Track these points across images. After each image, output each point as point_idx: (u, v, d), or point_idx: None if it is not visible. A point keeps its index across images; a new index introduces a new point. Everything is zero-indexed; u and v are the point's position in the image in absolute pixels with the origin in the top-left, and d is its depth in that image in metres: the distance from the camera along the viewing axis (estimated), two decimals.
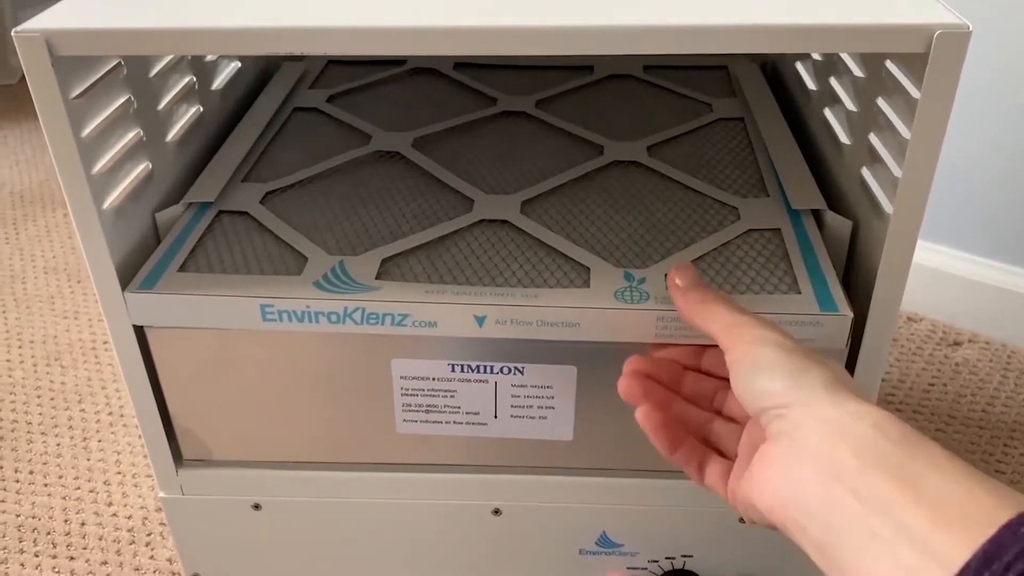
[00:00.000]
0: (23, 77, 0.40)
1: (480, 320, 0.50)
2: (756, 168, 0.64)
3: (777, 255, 0.54)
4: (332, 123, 0.70)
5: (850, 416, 0.36)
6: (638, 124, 0.69)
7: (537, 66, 0.79)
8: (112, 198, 0.50)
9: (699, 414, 0.47)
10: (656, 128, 0.68)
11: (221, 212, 0.58)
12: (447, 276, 0.52)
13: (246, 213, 0.58)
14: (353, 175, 0.63)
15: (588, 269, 0.52)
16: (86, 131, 0.47)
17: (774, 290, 0.51)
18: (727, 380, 0.43)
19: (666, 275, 0.51)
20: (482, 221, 0.57)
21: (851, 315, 0.49)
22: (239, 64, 0.73)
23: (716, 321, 0.44)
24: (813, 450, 0.36)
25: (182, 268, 0.53)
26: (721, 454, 0.46)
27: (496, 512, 0.58)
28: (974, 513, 0.30)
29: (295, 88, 0.76)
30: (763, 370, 0.40)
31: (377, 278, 0.51)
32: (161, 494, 0.58)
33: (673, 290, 0.47)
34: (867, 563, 0.32)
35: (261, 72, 0.79)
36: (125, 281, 0.51)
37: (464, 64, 0.80)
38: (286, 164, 0.64)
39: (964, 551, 0.29)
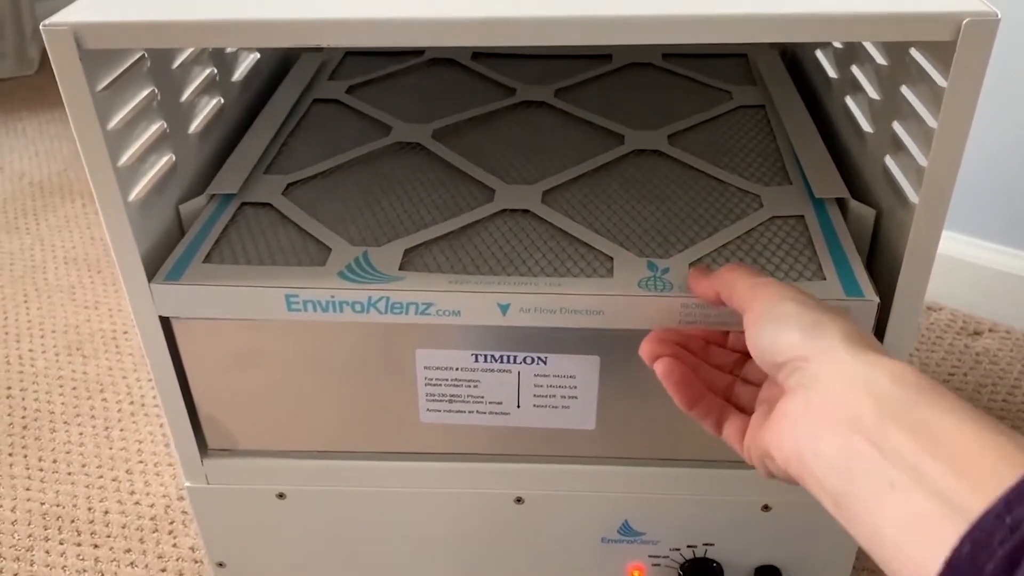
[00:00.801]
0: (40, 68, 0.40)
1: (504, 308, 0.50)
2: (778, 156, 0.63)
3: (801, 242, 0.54)
4: (352, 114, 0.70)
5: (869, 367, 0.36)
6: (658, 112, 0.69)
7: (555, 55, 0.78)
8: (137, 190, 0.51)
9: (721, 377, 0.48)
10: (676, 116, 0.68)
11: (244, 204, 0.59)
12: (470, 266, 0.52)
13: (269, 204, 0.58)
14: (374, 166, 0.63)
15: (611, 259, 0.52)
16: (112, 123, 0.48)
17: (799, 277, 0.51)
18: (748, 354, 0.43)
19: (690, 265, 0.51)
20: (504, 211, 0.57)
21: (877, 300, 0.49)
22: (258, 55, 0.73)
23: (735, 286, 0.44)
24: (832, 401, 0.36)
25: (207, 259, 0.53)
26: (740, 410, 0.46)
27: (518, 501, 0.58)
28: (993, 463, 0.31)
29: (314, 79, 0.76)
30: (780, 323, 0.40)
31: (401, 268, 0.52)
32: (186, 483, 0.58)
33: (692, 281, 0.48)
34: (884, 512, 0.32)
35: (280, 63, 0.79)
36: (151, 272, 0.51)
37: (482, 54, 0.80)
38: (307, 155, 0.64)
39: (983, 500, 0.29)
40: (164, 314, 0.52)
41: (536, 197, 0.58)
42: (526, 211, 0.57)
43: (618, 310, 0.49)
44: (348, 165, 0.63)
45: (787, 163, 0.62)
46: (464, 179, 0.61)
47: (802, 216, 0.56)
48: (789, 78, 0.74)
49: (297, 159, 0.64)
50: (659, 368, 0.46)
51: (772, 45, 0.80)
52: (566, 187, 0.60)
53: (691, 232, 0.55)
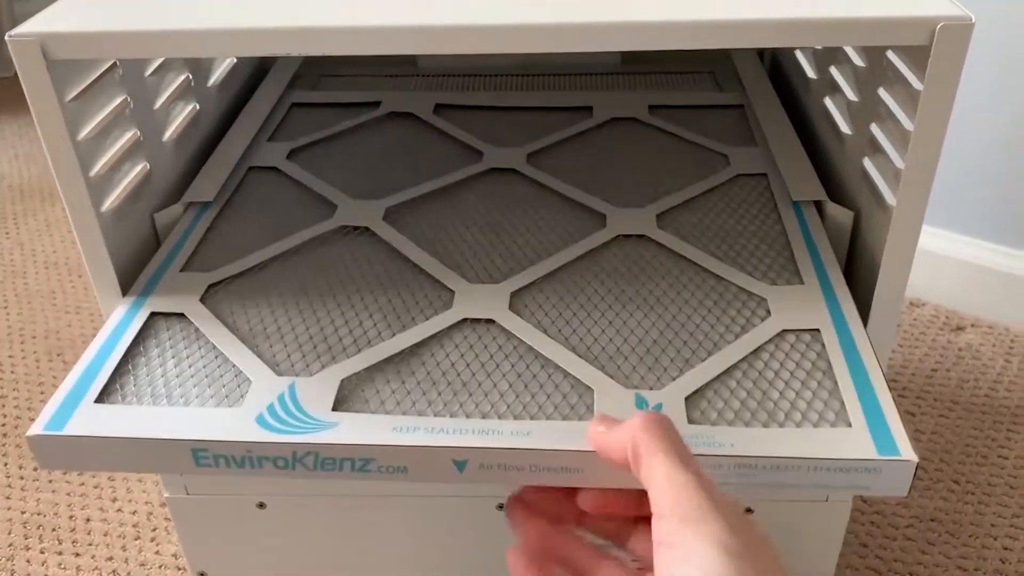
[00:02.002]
0: None
1: (460, 465, 0.41)
2: (786, 243, 0.55)
3: (820, 368, 0.45)
4: (291, 186, 0.62)
5: None
6: (645, 182, 0.61)
7: (528, 107, 0.71)
8: (110, 200, 0.50)
9: (585, 553, 0.41)
10: (666, 188, 0.60)
11: (154, 314, 0.50)
12: (420, 401, 0.44)
13: (182, 315, 0.50)
14: (312, 258, 0.55)
15: (591, 390, 0.44)
16: (83, 133, 0.47)
17: (819, 420, 0.42)
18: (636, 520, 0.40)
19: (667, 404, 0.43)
20: (464, 321, 0.49)
21: (916, 460, 0.40)
22: (234, 60, 0.72)
23: (653, 471, 0.35)
24: None
25: (100, 398, 0.44)
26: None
27: (500, 507, 0.58)
28: None
29: (254, 141, 0.67)
30: None
31: (335, 407, 0.43)
32: (166, 494, 0.58)
33: (595, 436, 0.39)
34: None
35: (258, 64, 0.78)
36: (125, 284, 0.51)
37: (445, 106, 0.72)
38: (233, 246, 0.56)
39: None
40: (49, 467, 0.43)
41: (503, 301, 0.50)
42: (491, 321, 0.49)
43: (599, 470, 0.40)
44: (282, 257, 0.55)
45: (797, 254, 0.53)
46: (418, 276, 0.53)
47: (818, 330, 0.47)
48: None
49: (220, 251, 0.55)
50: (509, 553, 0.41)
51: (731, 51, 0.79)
52: (538, 287, 0.52)
53: (686, 350, 0.47)
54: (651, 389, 0.44)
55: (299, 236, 0.56)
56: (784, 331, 0.48)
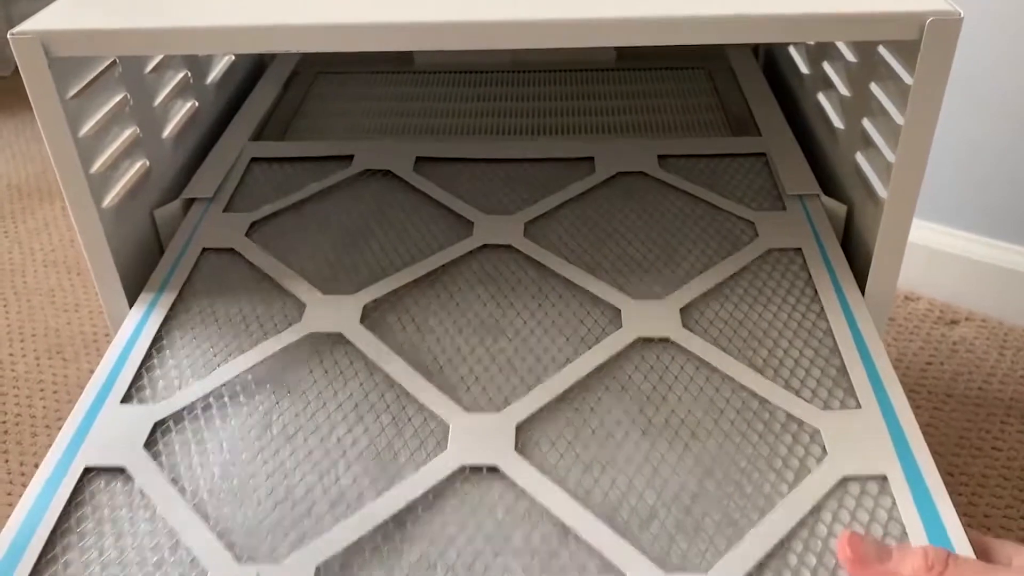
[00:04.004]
0: (16, 69, 0.40)
1: None
2: (834, 345, 0.46)
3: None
4: (250, 276, 0.52)
5: None
6: (660, 262, 0.52)
7: (521, 159, 0.62)
8: (111, 196, 0.51)
9: None
10: (687, 271, 0.51)
11: (88, 469, 0.40)
12: None
13: (122, 469, 0.40)
14: (269, 385, 0.45)
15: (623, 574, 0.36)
16: (83, 130, 0.48)
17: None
18: None
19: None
20: (463, 468, 0.40)
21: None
22: (233, 57, 0.73)
23: None
24: None
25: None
26: None
27: None
28: None
29: (205, 214, 0.57)
30: None
31: None
32: None
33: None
34: None
35: (255, 62, 0.79)
36: (127, 280, 0.51)
37: (427, 159, 0.62)
38: (178, 372, 0.46)
39: None
40: None
41: (507, 440, 0.41)
42: (493, 468, 0.40)
43: None
44: (232, 384, 0.45)
45: (853, 375, 0.44)
46: (407, 406, 0.43)
47: (884, 475, 0.39)
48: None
49: (166, 380, 0.45)
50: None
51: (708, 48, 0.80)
52: (546, 416, 0.43)
53: (717, 513, 0.38)
54: (681, 571, 0.36)
55: (250, 356, 0.46)
56: (846, 478, 0.39)
